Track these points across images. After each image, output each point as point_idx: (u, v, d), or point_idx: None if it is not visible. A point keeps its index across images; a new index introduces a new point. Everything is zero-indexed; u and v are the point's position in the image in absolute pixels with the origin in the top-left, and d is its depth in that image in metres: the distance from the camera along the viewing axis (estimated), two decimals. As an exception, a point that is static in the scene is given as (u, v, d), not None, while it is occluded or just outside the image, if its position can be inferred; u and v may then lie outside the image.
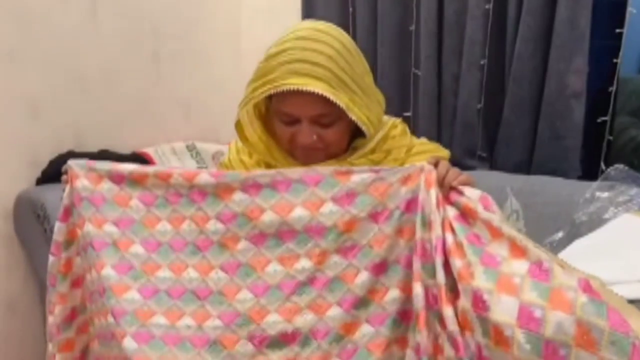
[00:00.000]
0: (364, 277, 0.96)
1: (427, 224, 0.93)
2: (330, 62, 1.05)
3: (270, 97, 1.11)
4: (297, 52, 1.05)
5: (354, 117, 1.06)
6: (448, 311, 0.87)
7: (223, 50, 2.38)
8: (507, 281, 0.84)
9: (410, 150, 1.20)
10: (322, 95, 1.03)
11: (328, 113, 1.07)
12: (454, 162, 1.77)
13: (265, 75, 1.07)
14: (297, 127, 1.09)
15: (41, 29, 1.88)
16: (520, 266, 0.86)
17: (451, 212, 0.93)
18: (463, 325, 0.86)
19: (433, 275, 0.90)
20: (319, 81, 1.04)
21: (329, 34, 1.08)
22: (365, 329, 0.96)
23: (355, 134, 1.16)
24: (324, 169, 1.00)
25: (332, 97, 1.03)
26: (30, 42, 1.86)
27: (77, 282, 1.14)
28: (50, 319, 1.14)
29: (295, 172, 1.00)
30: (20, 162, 1.88)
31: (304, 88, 1.03)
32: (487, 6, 1.69)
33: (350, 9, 2.04)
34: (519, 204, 1.49)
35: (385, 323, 0.96)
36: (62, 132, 1.96)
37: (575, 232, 1.33)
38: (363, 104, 1.08)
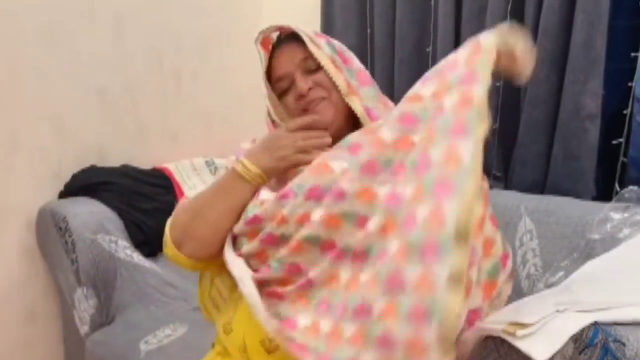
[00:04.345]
0: None
1: None
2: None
3: None
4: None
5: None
6: None
7: (243, 66, 2.41)
8: None
9: None
10: (300, 44, 1.13)
11: (310, 55, 1.12)
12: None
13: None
14: (294, 87, 1.14)
15: (67, 48, 1.93)
16: None
17: None
18: None
19: None
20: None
21: None
22: None
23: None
24: None
25: (299, 31, 1.13)
26: (56, 60, 1.91)
27: None
28: None
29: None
30: (44, 175, 1.92)
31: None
32: (503, 29, 1.72)
33: (369, 30, 2.08)
34: (533, 224, 1.50)
35: None
36: (85, 147, 2.01)
37: (590, 251, 1.33)
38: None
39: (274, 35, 1.19)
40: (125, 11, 2.06)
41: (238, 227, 1.07)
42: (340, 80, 1.11)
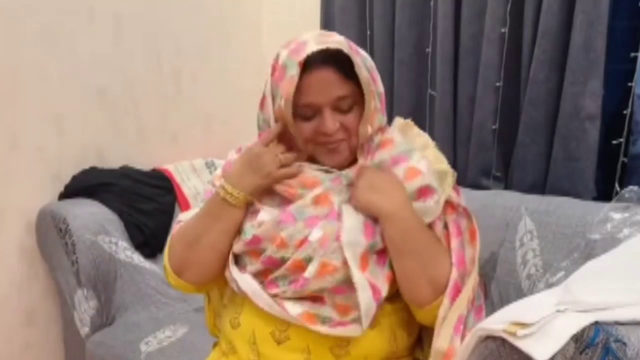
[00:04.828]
0: None
1: None
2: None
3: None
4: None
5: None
6: None
7: (243, 67, 2.42)
8: None
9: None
10: (340, 77, 1.03)
11: (348, 95, 1.05)
12: (470, 182, 1.81)
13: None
14: (318, 119, 1.06)
15: (67, 48, 1.93)
16: None
17: None
18: None
19: None
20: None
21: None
22: None
23: None
24: None
25: (348, 52, 1.02)
26: (56, 61, 1.91)
27: None
28: None
29: None
30: (44, 176, 1.92)
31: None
32: (502, 30, 1.72)
33: (368, 32, 2.08)
34: (534, 224, 1.50)
35: None
36: (85, 148, 2.01)
37: (590, 252, 1.33)
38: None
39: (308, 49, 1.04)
40: (125, 12, 2.06)
41: (238, 247, 1.10)
42: (369, 110, 1.07)
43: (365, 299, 1.02)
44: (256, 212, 1.10)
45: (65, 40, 1.92)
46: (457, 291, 1.04)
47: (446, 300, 1.03)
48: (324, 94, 1.04)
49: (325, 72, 1.04)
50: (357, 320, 1.03)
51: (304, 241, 1.04)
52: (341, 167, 1.10)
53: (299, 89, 1.03)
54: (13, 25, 1.80)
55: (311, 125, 1.07)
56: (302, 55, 1.02)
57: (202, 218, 1.12)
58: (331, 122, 1.05)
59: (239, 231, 1.11)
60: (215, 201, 1.10)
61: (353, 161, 1.11)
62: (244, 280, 1.08)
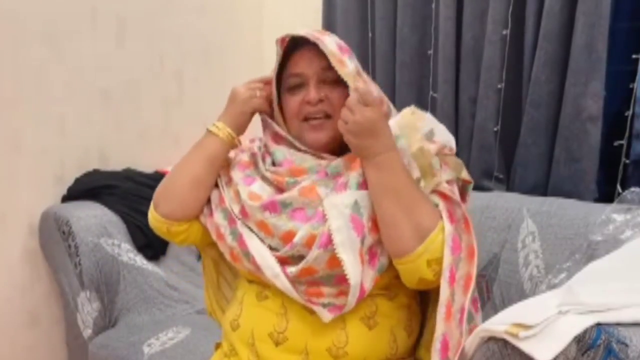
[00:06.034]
0: None
1: None
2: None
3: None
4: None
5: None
6: None
7: (245, 69, 2.42)
8: None
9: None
10: (328, 50, 1.09)
11: (332, 67, 1.09)
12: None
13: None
14: (305, 91, 1.12)
15: (70, 51, 1.94)
16: None
17: None
18: None
19: None
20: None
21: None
22: None
23: None
24: None
25: (315, 39, 1.09)
26: (59, 63, 1.92)
27: None
28: None
29: None
30: (47, 179, 1.93)
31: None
32: (504, 32, 1.72)
33: (370, 34, 2.08)
34: (535, 226, 1.50)
35: None
36: (88, 151, 2.01)
37: (592, 253, 1.33)
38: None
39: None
40: (128, 14, 2.07)
41: (235, 208, 1.13)
42: (348, 73, 1.10)
43: (352, 300, 1.03)
44: (252, 178, 1.15)
45: (68, 43, 1.93)
46: (453, 277, 1.02)
47: (444, 282, 1.00)
48: (309, 65, 1.12)
49: (309, 50, 1.12)
50: (327, 305, 1.05)
51: (289, 237, 1.06)
52: (326, 151, 1.13)
53: (289, 64, 1.13)
54: (16, 28, 1.80)
55: (297, 98, 1.13)
56: (290, 35, 1.12)
57: (189, 151, 1.21)
58: (315, 91, 1.11)
59: (226, 171, 1.17)
60: (204, 136, 1.21)
61: (340, 151, 1.13)
62: (240, 222, 1.11)
